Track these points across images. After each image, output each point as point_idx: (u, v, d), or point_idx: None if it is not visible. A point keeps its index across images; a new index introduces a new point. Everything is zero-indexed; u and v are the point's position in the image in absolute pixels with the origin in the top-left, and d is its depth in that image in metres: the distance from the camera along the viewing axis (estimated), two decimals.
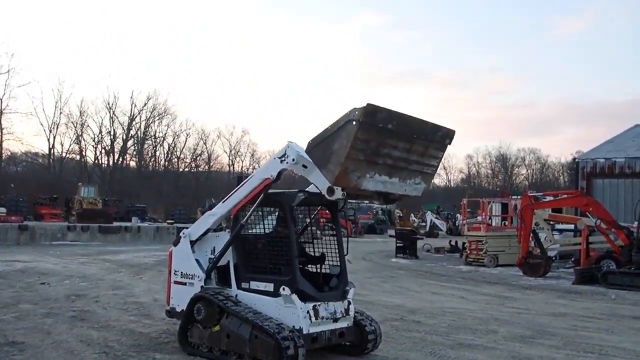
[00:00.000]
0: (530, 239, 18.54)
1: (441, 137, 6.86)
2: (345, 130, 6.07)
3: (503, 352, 7.99)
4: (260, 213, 7.61)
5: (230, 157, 74.52)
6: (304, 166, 6.66)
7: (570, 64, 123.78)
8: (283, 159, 6.88)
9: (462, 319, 10.54)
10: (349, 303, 7.17)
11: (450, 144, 7.01)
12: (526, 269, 18.32)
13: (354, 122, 6.00)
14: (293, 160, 6.73)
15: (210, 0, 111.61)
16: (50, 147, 57.36)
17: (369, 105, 5.99)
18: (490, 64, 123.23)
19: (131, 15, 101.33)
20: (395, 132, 6.31)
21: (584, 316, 11.27)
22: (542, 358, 7.74)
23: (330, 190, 6.35)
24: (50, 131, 56.93)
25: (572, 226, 20.91)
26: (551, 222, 19.95)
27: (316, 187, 6.60)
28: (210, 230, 7.71)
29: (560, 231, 22.22)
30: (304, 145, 6.66)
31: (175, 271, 7.81)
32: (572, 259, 20.82)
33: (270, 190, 7.06)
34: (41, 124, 56.72)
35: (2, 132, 51.22)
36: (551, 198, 22.17)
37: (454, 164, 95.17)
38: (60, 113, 57.40)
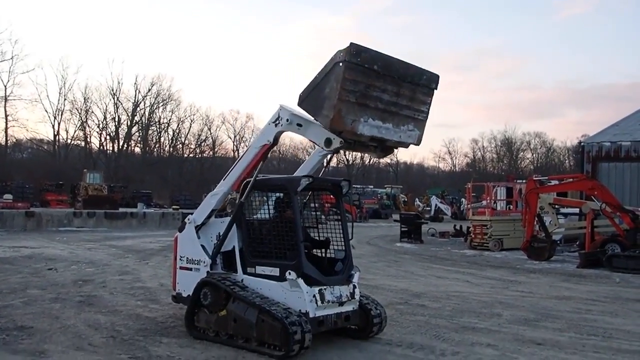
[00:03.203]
0: (535, 223, 18.56)
1: (426, 80, 6.90)
2: (334, 73, 6.13)
3: (507, 335, 8.04)
4: (264, 198, 7.64)
5: (235, 143, 74.66)
6: (299, 125, 6.82)
7: (573, 47, 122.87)
8: (277, 122, 7.04)
9: (467, 302, 10.59)
10: (354, 287, 7.20)
11: (436, 89, 7.05)
12: (531, 253, 18.36)
13: (341, 64, 6.07)
14: (287, 120, 6.90)
15: None
16: (55, 133, 57.72)
17: (352, 44, 6.08)
18: (491, 47, 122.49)
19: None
20: (381, 74, 6.36)
21: (588, 299, 11.30)
22: (546, 341, 7.78)
23: (328, 142, 6.44)
24: (55, 118, 57.29)
25: (577, 210, 20.89)
26: (556, 206, 19.92)
27: (314, 142, 6.68)
28: (215, 211, 7.75)
29: (565, 215, 22.20)
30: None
31: (181, 257, 7.85)
32: (577, 243, 20.82)
33: (274, 176, 7.08)
34: (46, 111, 57.13)
35: (7, 119, 51.49)
36: (556, 182, 22.11)
37: (459, 148, 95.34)
38: (65, 99, 57.69)
